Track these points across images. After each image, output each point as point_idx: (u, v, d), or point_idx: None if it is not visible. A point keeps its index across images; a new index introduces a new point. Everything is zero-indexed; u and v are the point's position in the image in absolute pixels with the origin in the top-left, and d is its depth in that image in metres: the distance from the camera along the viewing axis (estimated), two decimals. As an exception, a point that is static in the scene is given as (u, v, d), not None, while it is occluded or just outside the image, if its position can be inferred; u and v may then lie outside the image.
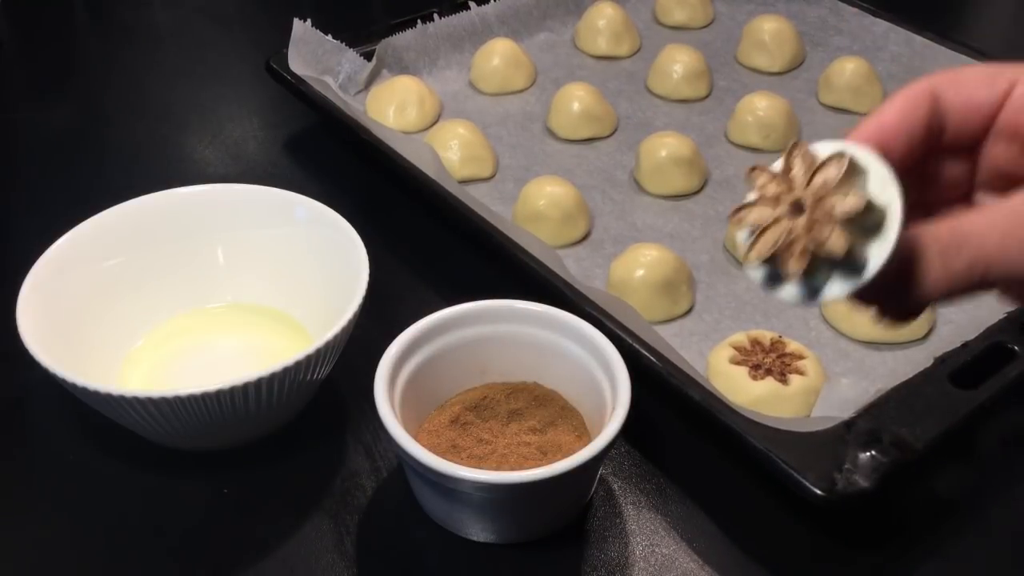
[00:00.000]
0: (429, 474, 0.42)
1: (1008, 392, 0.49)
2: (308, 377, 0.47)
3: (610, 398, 0.46)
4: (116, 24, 0.95)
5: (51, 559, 0.46)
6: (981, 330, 0.52)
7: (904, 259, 0.31)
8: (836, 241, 0.31)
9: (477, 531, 0.46)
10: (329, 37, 0.77)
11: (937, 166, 0.36)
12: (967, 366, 0.50)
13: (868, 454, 0.45)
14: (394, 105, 0.74)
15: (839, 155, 0.31)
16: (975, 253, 0.31)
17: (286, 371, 0.45)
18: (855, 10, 0.87)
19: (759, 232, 0.32)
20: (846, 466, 0.44)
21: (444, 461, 0.42)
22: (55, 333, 0.48)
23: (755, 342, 0.54)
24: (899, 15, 0.85)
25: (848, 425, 0.46)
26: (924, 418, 0.47)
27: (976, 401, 0.48)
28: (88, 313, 0.52)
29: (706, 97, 0.79)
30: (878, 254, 0.31)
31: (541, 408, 0.49)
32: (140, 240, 0.55)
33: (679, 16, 0.89)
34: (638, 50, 0.85)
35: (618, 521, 0.48)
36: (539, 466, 0.42)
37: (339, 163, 0.73)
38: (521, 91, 0.79)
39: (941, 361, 0.50)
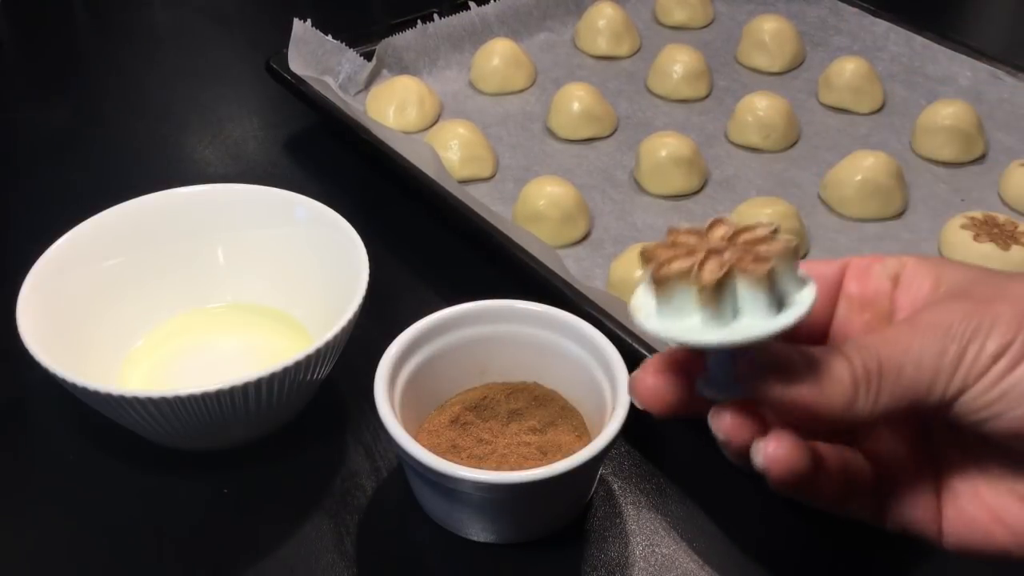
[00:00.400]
0: (429, 474, 0.42)
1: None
2: (308, 377, 0.47)
3: (610, 398, 0.46)
4: (116, 24, 0.95)
5: (51, 559, 0.46)
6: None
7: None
8: (757, 266, 0.31)
9: (477, 531, 0.46)
10: (329, 37, 0.77)
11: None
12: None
13: (868, 454, 0.45)
14: (394, 105, 0.74)
15: (766, 224, 0.32)
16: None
17: (286, 371, 0.45)
18: (855, 10, 0.87)
19: (669, 260, 0.32)
20: (846, 466, 0.44)
21: (444, 461, 0.42)
22: (55, 333, 0.48)
23: None
24: (899, 15, 0.85)
25: (848, 425, 0.46)
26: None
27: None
28: (88, 313, 0.52)
29: (706, 97, 0.79)
30: (792, 312, 0.31)
31: (541, 408, 0.49)
32: (140, 240, 0.55)
33: (679, 16, 0.89)
34: (638, 50, 0.85)
35: (618, 521, 0.48)
36: (539, 466, 0.42)
37: (339, 163, 0.73)
38: (521, 91, 0.79)
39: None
